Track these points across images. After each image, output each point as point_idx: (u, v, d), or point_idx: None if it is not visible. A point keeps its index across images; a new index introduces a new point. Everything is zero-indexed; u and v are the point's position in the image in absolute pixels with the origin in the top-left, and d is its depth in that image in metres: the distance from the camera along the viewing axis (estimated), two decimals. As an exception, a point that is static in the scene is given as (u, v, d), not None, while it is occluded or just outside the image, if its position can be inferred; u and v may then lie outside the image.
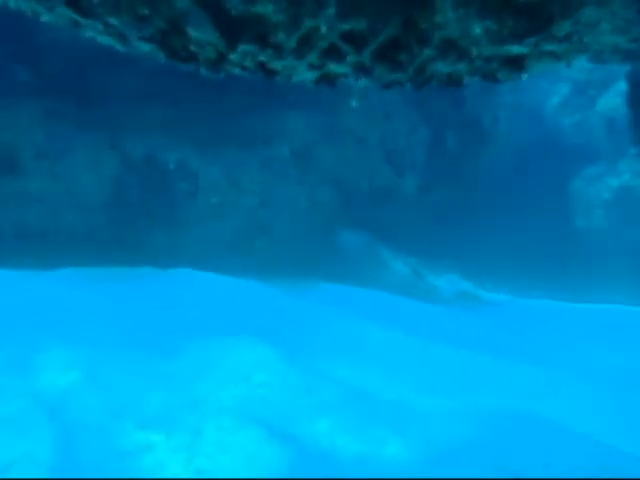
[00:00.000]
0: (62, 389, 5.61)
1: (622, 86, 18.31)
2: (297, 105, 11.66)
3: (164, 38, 2.39)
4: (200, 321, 8.35)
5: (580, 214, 18.32)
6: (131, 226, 10.42)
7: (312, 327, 8.86)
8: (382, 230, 14.04)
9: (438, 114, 13.68)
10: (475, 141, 14.45)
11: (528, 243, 18.16)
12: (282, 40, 2.41)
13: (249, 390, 6.14)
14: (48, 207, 10.02)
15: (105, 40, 2.58)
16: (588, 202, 18.12)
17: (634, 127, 8.72)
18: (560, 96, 19.23)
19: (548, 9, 2.26)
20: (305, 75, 2.81)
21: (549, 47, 2.52)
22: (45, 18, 2.57)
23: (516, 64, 2.81)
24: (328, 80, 3.05)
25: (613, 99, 18.43)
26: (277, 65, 2.61)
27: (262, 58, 2.52)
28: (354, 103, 12.36)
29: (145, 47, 2.48)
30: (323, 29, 2.38)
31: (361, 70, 2.84)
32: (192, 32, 2.34)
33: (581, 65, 19.07)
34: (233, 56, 2.48)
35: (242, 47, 2.42)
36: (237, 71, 2.66)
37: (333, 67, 2.81)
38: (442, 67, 2.78)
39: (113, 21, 2.33)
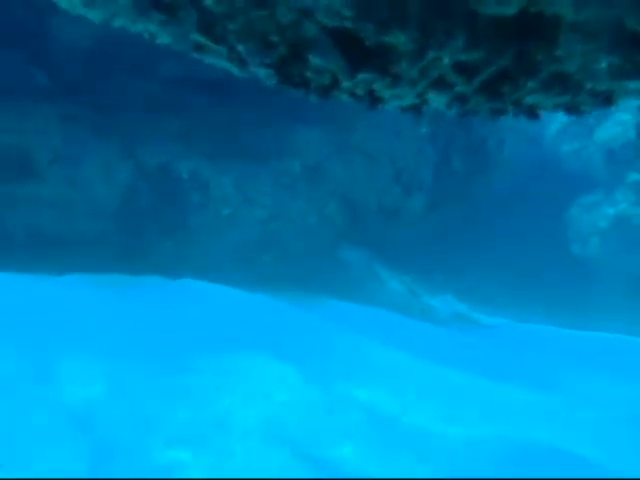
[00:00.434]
0: (87, 401, 5.56)
1: (622, 116, 18.49)
2: (309, 120, 11.68)
3: (283, 64, 2.39)
4: (212, 334, 8.32)
5: (576, 241, 18.44)
6: (141, 234, 10.38)
7: (322, 344, 8.86)
8: (383, 248, 14.08)
9: (445, 135, 13.75)
10: (480, 164, 14.52)
11: (524, 267, 18.26)
12: (404, 70, 2.42)
13: (270, 409, 6.13)
14: (61, 212, 9.95)
15: (222, 64, 2.58)
16: (584, 230, 18.25)
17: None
18: (559, 123, 19.38)
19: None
20: (405, 102, 2.82)
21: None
22: (163, 40, 2.55)
23: (608, 98, 2.84)
24: (415, 108, 3.06)
25: (612, 128, 18.58)
26: (386, 93, 2.62)
27: (376, 86, 2.52)
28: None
29: (262, 72, 2.48)
30: (445, 60, 2.39)
31: (460, 100, 2.85)
32: (314, 59, 2.34)
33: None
34: (347, 84, 2.48)
35: (361, 76, 2.42)
36: (344, 97, 2.66)
37: (432, 96, 2.82)
38: (538, 99, 2.80)
39: (240, 47, 2.33)
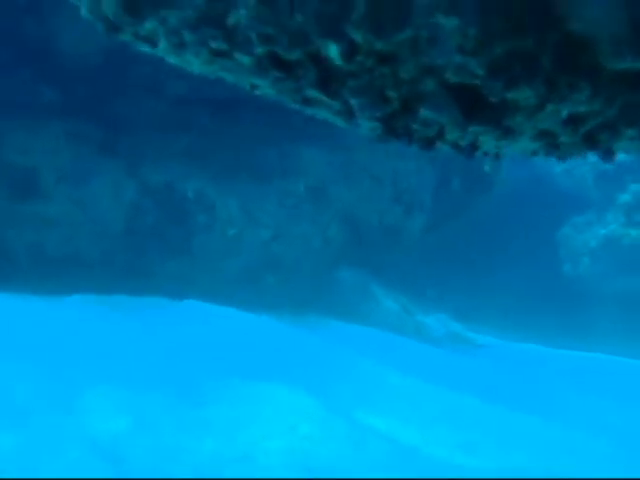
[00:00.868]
0: (114, 435, 5.43)
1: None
2: (313, 139, 11.62)
3: (391, 117, 2.32)
4: (225, 360, 8.22)
5: (567, 261, 18.51)
6: (145, 254, 10.24)
7: (334, 369, 8.78)
8: (381, 268, 14.05)
9: (442, 155, 13.73)
10: (477, 184, 14.53)
11: (516, 287, 18.31)
12: (518, 123, 2.35)
13: (295, 443, 6.02)
14: (65, 232, 9.79)
15: (327, 117, 2.49)
16: (575, 250, 18.32)
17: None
18: (552, 143, 19.42)
19: None
20: (501, 151, 2.76)
21: None
22: (266, 92, 2.46)
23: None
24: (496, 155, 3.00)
25: (604, 149, 18.63)
26: (491, 145, 2.55)
27: (483, 138, 2.45)
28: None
29: (368, 125, 2.41)
30: (564, 113, 2.33)
31: (553, 147, 2.80)
32: (425, 112, 2.27)
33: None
34: (453, 135, 2.41)
35: (473, 128, 2.35)
36: (446, 147, 2.59)
37: (527, 144, 2.76)
38: (631, 146, 2.77)
39: (353, 101, 2.25)
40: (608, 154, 3.06)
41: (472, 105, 2.31)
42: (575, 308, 17.80)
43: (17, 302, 9.16)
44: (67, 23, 9.55)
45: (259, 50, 2.08)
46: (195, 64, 2.34)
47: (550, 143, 2.79)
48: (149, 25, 2.19)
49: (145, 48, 2.44)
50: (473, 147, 2.65)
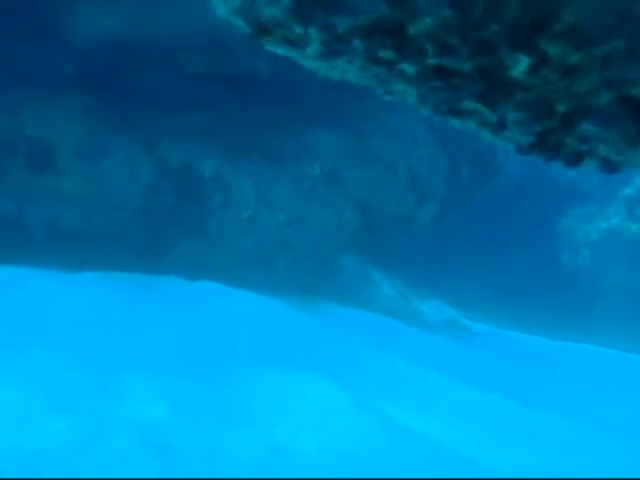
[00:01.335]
0: (156, 423, 5.35)
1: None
2: (329, 123, 11.50)
3: (547, 131, 2.23)
4: (246, 346, 8.15)
5: (567, 252, 18.52)
6: (160, 233, 10.11)
7: (351, 358, 8.74)
8: (390, 256, 14.00)
9: (454, 144, 13.66)
10: (486, 173, 14.47)
11: (513, 276, 18.32)
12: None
13: (329, 439, 5.96)
14: (81, 208, 9.64)
15: (470, 126, 2.40)
16: (576, 241, 18.33)
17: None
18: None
19: None
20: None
21: None
22: (401, 98, 2.37)
23: None
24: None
25: (609, 142, 18.61)
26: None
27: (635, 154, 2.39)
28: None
29: (520, 138, 2.32)
30: None
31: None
32: (588, 127, 2.18)
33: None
34: (606, 151, 2.34)
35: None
36: (592, 162, 2.52)
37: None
38: None
39: (512, 115, 2.16)
40: None
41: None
42: (573, 300, 17.86)
43: (32, 277, 9.03)
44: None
45: (431, 61, 1.99)
46: (343, 70, 2.25)
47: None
48: (299, 30, 2.09)
49: (281, 51, 2.35)
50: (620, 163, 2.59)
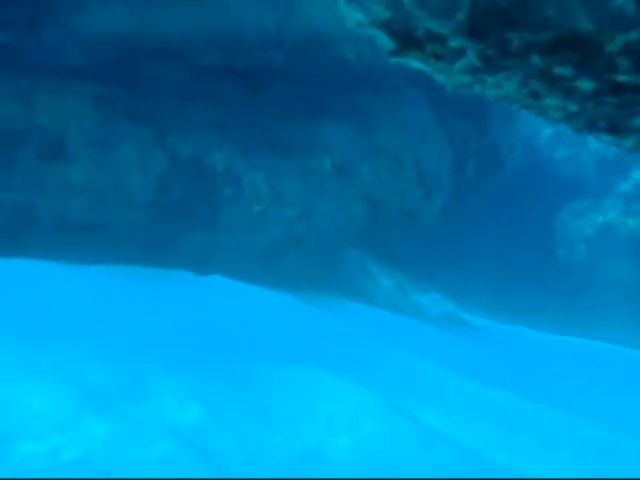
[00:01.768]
0: (191, 424, 5.25)
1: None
2: (337, 116, 11.40)
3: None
4: (262, 342, 8.08)
5: (563, 247, 18.54)
6: (170, 227, 9.97)
7: (368, 355, 8.67)
8: (387, 248, 13.94)
9: (462, 136, 13.60)
10: (491, 167, 14.44)
11: (510, 270, 18.32)
12: None
13: (361, 441, 5.89)
14: (91, 199, 9.49)
15: (625, 146, 2.32)
16: (572, 236, 18.34)
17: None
18: (553, 128, 19.37)
19: None
20: None
21: None
22: (550, 115, 2.28)
23: None
24: None
25: (606, 137, 18.57)
26: None
27: None
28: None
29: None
30: None
31: None
32: None
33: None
34: None
35: None
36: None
37: None
38: None
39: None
40: None
41: None
42: (568, 294, 17.89)
43: (43, 269, 8.88)
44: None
45: (622, 78, 1.90)
46: (494, 85, 2.16)
47: None
48: (456, 43, 2.00)
49: (417, 64, 2.25)
50: None
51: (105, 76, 9.93)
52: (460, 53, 2.06)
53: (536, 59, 1.98)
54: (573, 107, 2.15)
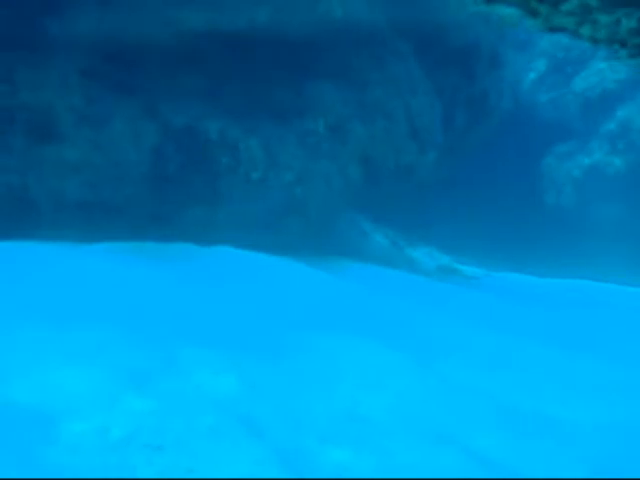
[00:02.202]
0: (231, 395, 5.19)
1: (599, 65, 18.46)
2: (326, 76, 11.23)
3: None
4: (282, 309, 8.01)
5: (551, 191, 18.53)
6: (168, 200, 9.81)
7: (385, 316, 8.63)
8: (383, 206, 13.86)
9: (450, 87, 13.47)
10: (480, 117, 14.33)
11: (497, 218, 18.31)
12: None
13: (394, 400, 5.85)
14: (87, 177, 9.29)
15: None
16: (558, 179, 18.32)
17: None
18: (537, 72, 19.24)
19: None
20: None
21: None
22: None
23: None
24: None
25: (589, 78, 18.53)
26: None
27: None
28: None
29: None
30: None
31: None
32: None
33: (558, 41, 19.10)
34: None
35: None
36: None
37: None
38: None
39: None
40: None
41: None
42: (559, 237, 17.92)
43: (46, 251, 8.71)
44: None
45: None
46: (592, 27, 2.06)
47: None
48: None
49: (508, 11, 2.13)
50: None
51: (85, 48, 9.66)
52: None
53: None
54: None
